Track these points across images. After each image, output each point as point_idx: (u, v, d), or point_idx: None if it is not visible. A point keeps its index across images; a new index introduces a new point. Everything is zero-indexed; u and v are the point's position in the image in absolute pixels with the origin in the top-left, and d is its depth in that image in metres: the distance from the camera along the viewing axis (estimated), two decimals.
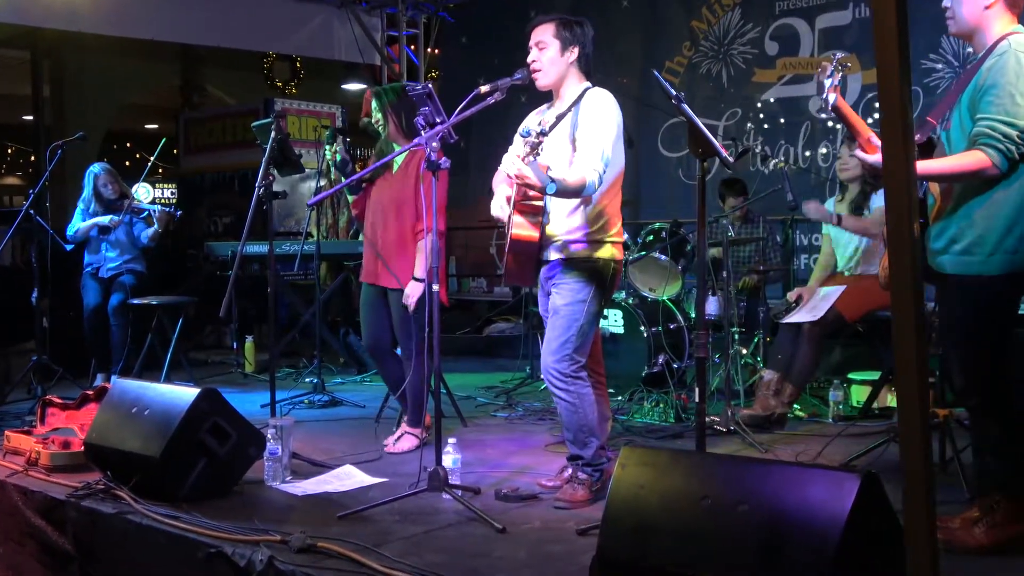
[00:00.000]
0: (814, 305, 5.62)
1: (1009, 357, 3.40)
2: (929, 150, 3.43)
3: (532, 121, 4.35)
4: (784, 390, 5.58)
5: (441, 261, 5.03)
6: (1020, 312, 3.57)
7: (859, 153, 3.34)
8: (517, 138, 4.34)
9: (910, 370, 1.76)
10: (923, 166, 3.35)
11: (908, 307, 1.78)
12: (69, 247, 7.38)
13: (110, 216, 7.22)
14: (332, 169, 5.80)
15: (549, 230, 4.09)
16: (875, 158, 3.28)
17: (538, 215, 4.03)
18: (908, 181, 1.79)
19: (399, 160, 5.10)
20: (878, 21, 1.81)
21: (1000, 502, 3.39)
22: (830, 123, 7.89)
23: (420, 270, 4.93)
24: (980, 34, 3.39)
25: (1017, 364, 3.48)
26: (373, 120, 5.19)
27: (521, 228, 4.02)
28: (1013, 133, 3.20)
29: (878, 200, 5.57)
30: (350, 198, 5.44)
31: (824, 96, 3.26)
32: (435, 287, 4.06)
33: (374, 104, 5.17)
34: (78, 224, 7.28)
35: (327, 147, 5.62)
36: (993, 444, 3.44)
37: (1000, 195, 3.29)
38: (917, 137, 3.39)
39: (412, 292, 4.95)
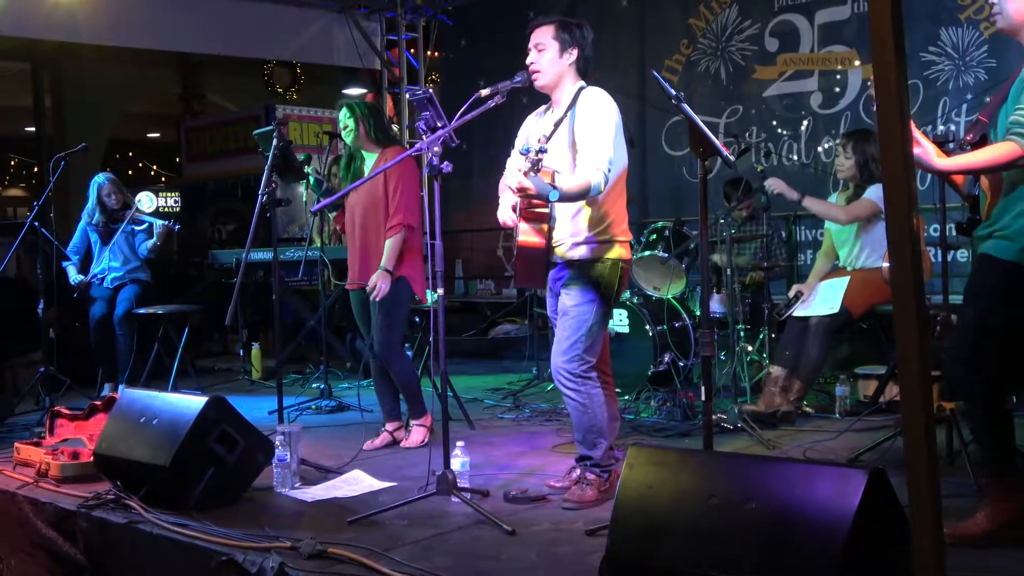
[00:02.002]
0: (825, 297, 5.63)
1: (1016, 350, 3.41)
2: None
3: (531, 124, 4.36)
4: (792, 386, 5.59)
5: (418, 256, 5.27)
6: None
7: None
8: (516, 152, 4.36)
9: (912, 364, 1.77)
10: (959, 160, 3.40)
11: (909, 302, 1.79)
12: (76, 259, 7.41)
13: (80, 277, 7.31)
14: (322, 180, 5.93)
15: (556, 234, 4.10)
16: (914, 151, 3.30)
17: (543, 221, 4.04)
18: (907, 176, 1.79)
19: (368, 165, 5.32)
20: (874, 18, 1.81)
21: (989, 483, 3.46)
22: (834, 119, 7.89)
23: (388, 262, 5.11)
24: None
25: None
26: (342, 126, 5.36)
27: (527, 235, 4.05)
28: None
29: (869, 192, 5.62)
30: (331, 215, 5.57)
31: (875, 108, 3.31)
32: (440, 291, 4.07)
33: (344, 112, 5.35)
34: (70, 259, 7.36)
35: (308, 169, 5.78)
36: (985, 427, 3.48)
37: None
38: (970, 136, 3.46)
39: (377, 280, 5.10)
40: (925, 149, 3.30)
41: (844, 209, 5.70)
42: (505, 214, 4.21)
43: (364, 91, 11.55)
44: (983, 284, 3.46)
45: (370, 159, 5.35)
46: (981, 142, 3.46)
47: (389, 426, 5.45)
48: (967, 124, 3.51)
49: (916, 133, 3.28)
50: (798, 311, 5.70)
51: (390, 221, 5.16)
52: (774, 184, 5.84)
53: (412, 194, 5.23)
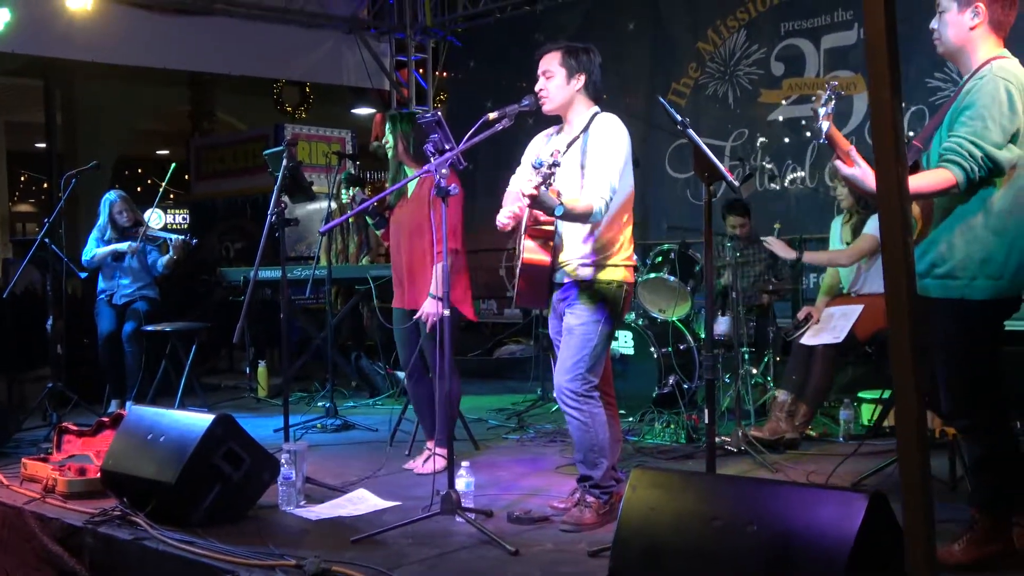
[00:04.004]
0: (834, 326, 5.64)
1: (997, 377, 3.44)
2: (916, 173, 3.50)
3: (540, 143, 4.40)
4: (798, 411, 5.60)
5: (464, 278, 5.15)
6: (1006, 331, 3.60)
7: (837, 163, 3.38)
8: (526, 163, 4.39)
9: (908, 385, 1.80)
10: None
11: (904, 324, 1.82)
12: (83, 275, 7.45)
13: (128, 242, 7.28)
14: (345, 194, 5.97)
15: (562, 254, 4.14)
16: (850, 171, 3.32)
17: (549, 239, 4.08)
18: (901, 200, 1.82)
19: (413, 185, 5.21)
20: (870, 42, 1.85)
21: (979, 520, 3.45)
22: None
23: (437, 288, 5.00)
24: (965, 56, 3.44)
25: (1007, 382, 3.51)
26: (383, 142, 5.30)
27: (533, 252, 4.08)
28: (978, 154, 3.24)
29: (869, 226, 5.64)
30: (378, 232, 5.55)
31: (819, 124, 3.32)
32: (446, 312, 4.10)
33: (388, 126, 5.28)
34: (94, 250, 7.34)
35: (344, 191, 5.77)
36: (976, 463, 3.50)
37: (977, 220, 3.34)
38: None
39: (427, 310, 5.01)
40: (864, 171, 3.30)
41: (845, 253, 5.74)
42: (504, 216, 4.21)
43: (372, 111, 11.63)
44: (945, 333, 3.44)
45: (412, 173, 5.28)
46: (914, 168, 3.46)
47: (431, 443, 5.42)
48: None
49: (855, 154, 3.31)
50: (806, 339, 5.71)
51: (438, 246, 5.06)
52: (771, 243, 5.86)
53: (459, 217, 5.13)
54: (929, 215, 3.45)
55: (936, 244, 3.40)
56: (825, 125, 3.29)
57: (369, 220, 5.49)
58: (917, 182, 3.33)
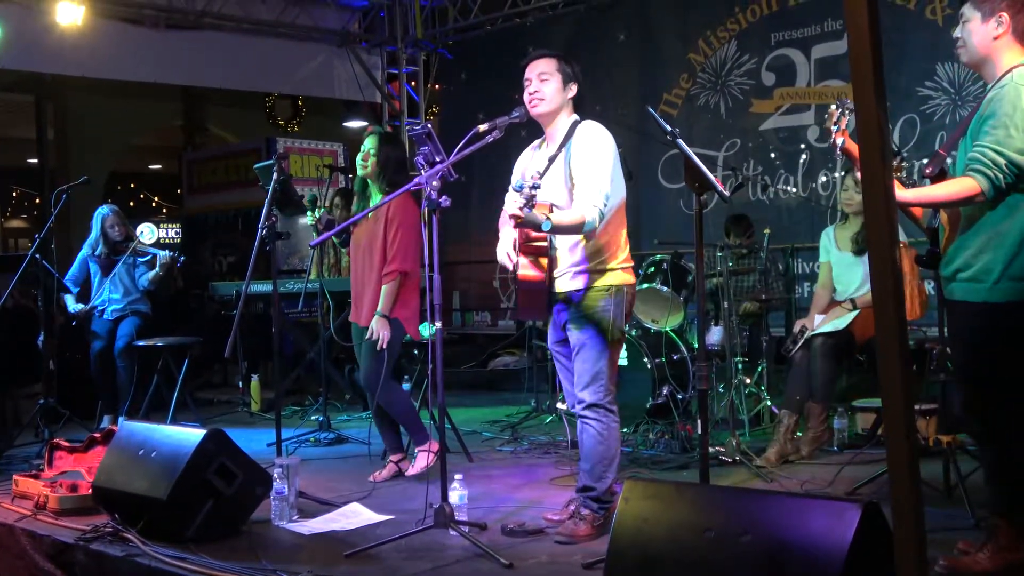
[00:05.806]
0: (833, 323, 5.62)
1: (1018, 383, 3.44)
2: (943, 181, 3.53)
3: (528, 158, 4.40)
4: (812, 412, 5.51)
5: (414, 299, 5.26)
6: None
7: (859, 175, 3.42)
8: (512, 191, 4.40)
9: (896, 393, 1.79)
10: (918, 193, 3.47)
11: (891, 331, 1.81)
12: (75, 290, 7.43)
13: (79, 306, 7.34)
14: (311, 215, 6.06)
15: (557, 268, 4.13)
16: None
17: (542, 255, 4.07)
18: (887, 205, 1.81)
19: (374, 204, 5.26)
20: (853, 48, 1.85)
21: (1001, 527, 3.43)
22: (831, 152, 7.94)
23: (384, 307, 5.12)
24: (990, 64, 3.46)
25: None
26: (361, 154, 5.34)
27: (526, 269, 4.08)
28: (1001, 161, 3.28)
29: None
30: (343, 249, 5.61)
31: (832, 140, 3.38)
32: (438, 324, 4.09)
33: (372, 141, 5.32)
34: (67, 284, 7.37)
35: (308, 213, 5.88)
36: (991, 471, 3.49)
37: (1004, 226, 3.37)
38: (929, 170, 3.53)
39: (377, 327, 5.10)
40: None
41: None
42: (503, 255, 4.22)
43: (364, 123, 11.62)
44: (965, 333, 3.49)
45: (377, 195, 5.33)
46: (940, 176, 3.52)
47: (393, 457, 5.46)
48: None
49: None
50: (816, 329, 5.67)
51: (387, 267, 5.15)
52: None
53: (410, 239, 5.19)
54: (956, 221, 3.49)
55: (963, 250, 3.44)
56: (840, 140, 3.41)
57: (335, 238, 5.56)
58: (944, 191, 3.40)
